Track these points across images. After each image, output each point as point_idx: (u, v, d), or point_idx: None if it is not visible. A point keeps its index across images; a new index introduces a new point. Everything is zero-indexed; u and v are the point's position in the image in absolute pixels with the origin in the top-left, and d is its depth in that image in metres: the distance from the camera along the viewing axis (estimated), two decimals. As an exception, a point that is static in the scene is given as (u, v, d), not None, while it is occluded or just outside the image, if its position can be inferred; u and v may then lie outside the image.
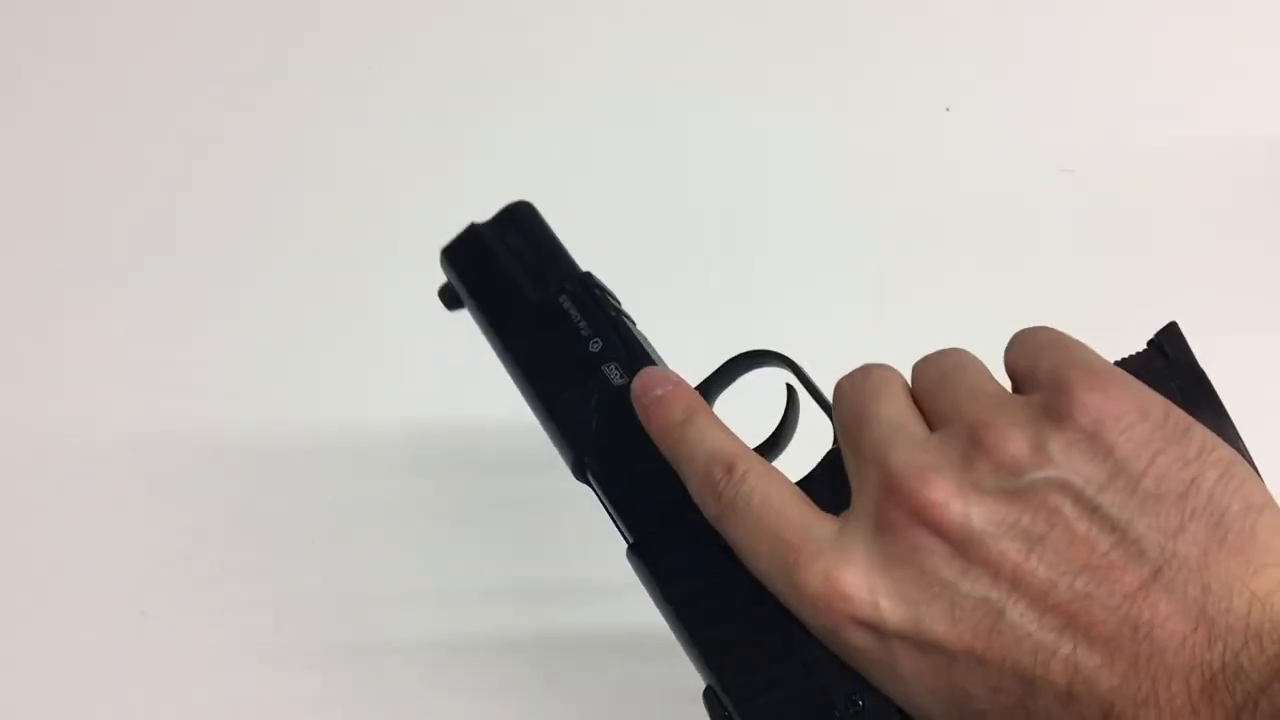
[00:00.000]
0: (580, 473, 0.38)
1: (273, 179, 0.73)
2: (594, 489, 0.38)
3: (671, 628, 0.34)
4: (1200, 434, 0.28)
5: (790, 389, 0.37)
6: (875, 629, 0.29)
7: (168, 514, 0.64)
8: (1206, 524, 0.27)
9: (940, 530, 0.28)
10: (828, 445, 0.34)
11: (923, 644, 0.28)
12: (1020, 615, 0.27)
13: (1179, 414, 0.28)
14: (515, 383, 0.40)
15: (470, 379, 0.63)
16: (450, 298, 0.43)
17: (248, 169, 0.73)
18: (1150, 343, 0.32)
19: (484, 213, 0.72)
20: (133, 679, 0.60)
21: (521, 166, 0.72)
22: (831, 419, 0.34)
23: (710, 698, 0.32)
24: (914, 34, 0.76)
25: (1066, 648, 0.27)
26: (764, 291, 0.68)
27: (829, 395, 0.36)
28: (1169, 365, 0.31)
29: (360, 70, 0.76)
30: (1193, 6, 0.75)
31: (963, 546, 0.28)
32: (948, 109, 0.73)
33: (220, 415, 0.66)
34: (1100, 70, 0.74)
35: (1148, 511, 0.27)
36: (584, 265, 0.42)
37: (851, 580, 0.29)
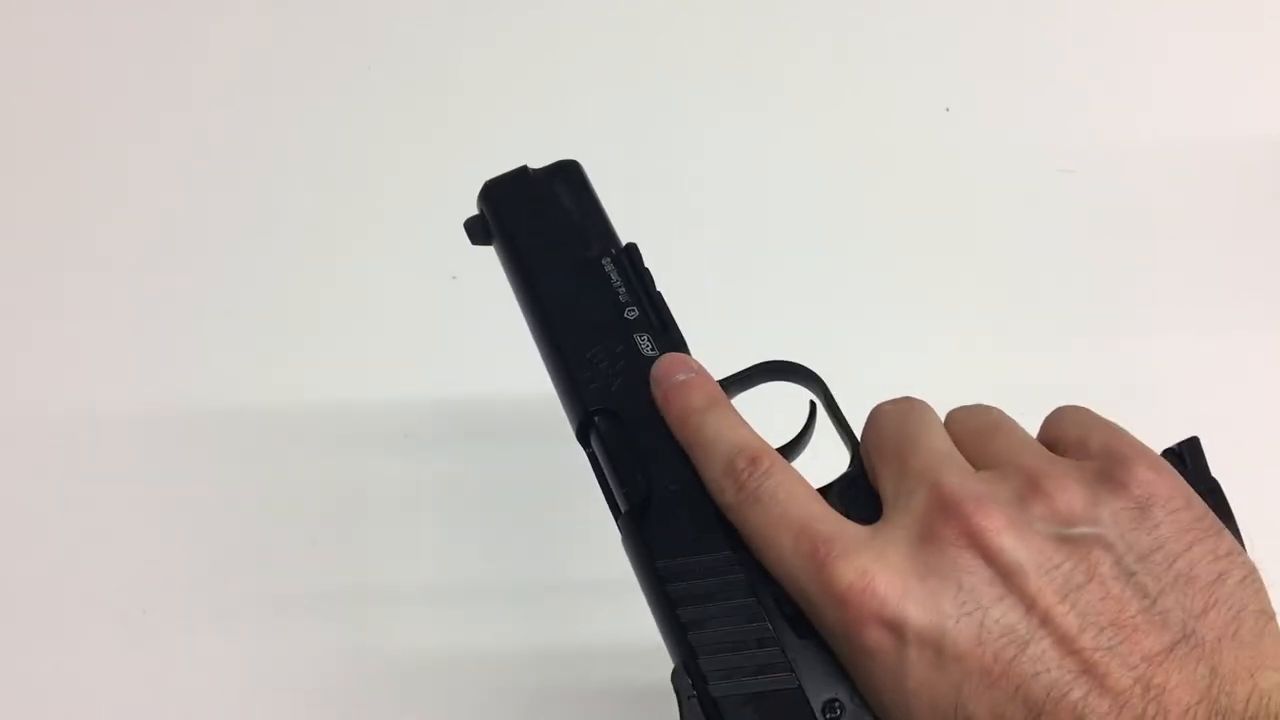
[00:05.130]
0: (584, 432, 0.37)
1: (273, 167, 0.73)
2: (595, 451, 0.37)
3: (649, 600, 0.34)
4: (1230, 538, 0.31)
5: (812, 405, 0.37)
6: (897, 631, 0.30)
7: (169, 512, 0.64)
8: (1226, 615, 0.29)
9: (987, 555, 0.30)
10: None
11: (942, 655, 0.29)
12: (1043, 651, 0.29)
13: (1214, 516, 0.31)
14: (533, 331, 0.39)
15: (479, 382, 0.64)
16: (479, 231, 0.42)
17: (248, 155, 0.73)
18: (1171, 450, 0.34)
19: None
20: (134, 677, 0.60)
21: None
22: (850, 442, 0.36)
23: (679, 676, 0.32)
24: (914, 34, 0.76)
25: (1079, 691, 0.28)
26: (761, 291, 0.68)
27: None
28: (1187, 474, 0.33)
29: (361, 67, 0.76)
30: (1193, 7, 0.75)
31: (1004, 575, 0.30)
32: (948, 109, 0.73)
33: (222, 412, 0.66)
34: (1100, 70, 0.74)
35: (1178, 589, 0.30)
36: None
37: (887, 580, 0.30)
